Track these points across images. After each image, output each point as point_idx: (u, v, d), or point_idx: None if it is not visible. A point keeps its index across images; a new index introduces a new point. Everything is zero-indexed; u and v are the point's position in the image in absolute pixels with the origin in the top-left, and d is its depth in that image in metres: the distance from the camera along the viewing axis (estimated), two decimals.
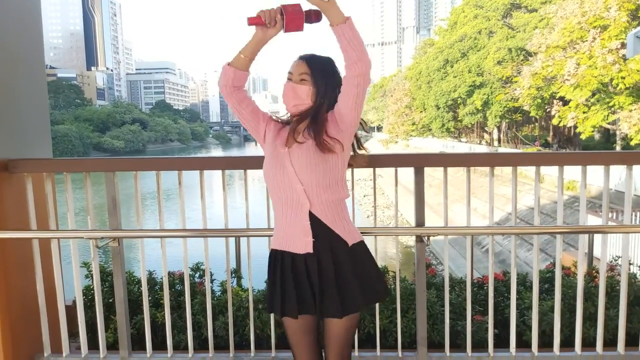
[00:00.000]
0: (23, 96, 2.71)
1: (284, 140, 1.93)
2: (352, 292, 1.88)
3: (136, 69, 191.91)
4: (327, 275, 1.87)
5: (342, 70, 1.86)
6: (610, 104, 19.53)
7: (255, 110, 2.00)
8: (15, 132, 2.64)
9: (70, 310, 2.72)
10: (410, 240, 18.54)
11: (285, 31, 1.80)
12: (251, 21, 1.78)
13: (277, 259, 1.95)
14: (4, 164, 2.49)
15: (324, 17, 1.79)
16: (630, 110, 17.99)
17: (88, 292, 2.98)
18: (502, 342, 2.75)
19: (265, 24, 1.78)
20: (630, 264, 2.69)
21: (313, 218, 1.87)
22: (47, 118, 2.96)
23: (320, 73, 1.89)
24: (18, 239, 2.58)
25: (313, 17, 1.80)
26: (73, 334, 2.82)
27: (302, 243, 1.88)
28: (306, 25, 1.82)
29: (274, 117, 2.05)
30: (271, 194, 1.96)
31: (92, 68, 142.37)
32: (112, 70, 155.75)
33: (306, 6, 1.79)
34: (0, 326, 2.47)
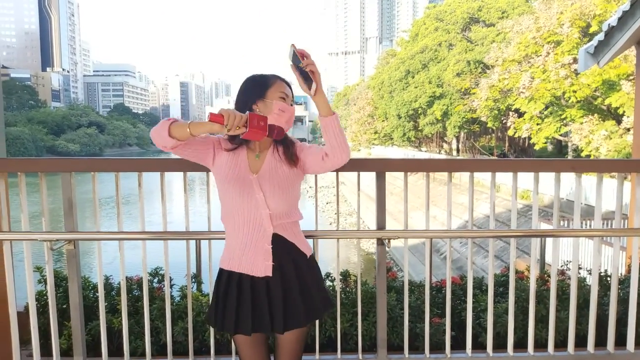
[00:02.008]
0: None
1: (245, 164, 1.90)
2: (313, 300, 1.92)
3: (94, 71, 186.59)
4: (290, 287, 1.88)
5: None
6: (563, 116, 20.30)
7: (202, 141, 1.91)
8: None
9: (21, 316, 2.61)
10: (371, 247, 18.72)
11: (242, 137, 1.71)
12: (212, 118, 1.67)
13: (231, 278, 1.89)
14: None
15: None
16: (581, 123, 18.71)
17: (40, 298, 2.88)
18: (458, 344, 2.82)
19: (225, 126, 1.66)
20: (579, 268, 2.81)
21: (274, 236, 1.88)
22: (1, 117, 2.85)
23: None
24: None
25: (275, 132, 1.76)
26: (23, 341, 2.72)
27: (262, 267, 1.86)
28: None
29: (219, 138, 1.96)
30: (228, 216, 1.90)
31: (48, 69, 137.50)
32: (68, 72, 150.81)
33: (271, 121, 1.79)
34: None
